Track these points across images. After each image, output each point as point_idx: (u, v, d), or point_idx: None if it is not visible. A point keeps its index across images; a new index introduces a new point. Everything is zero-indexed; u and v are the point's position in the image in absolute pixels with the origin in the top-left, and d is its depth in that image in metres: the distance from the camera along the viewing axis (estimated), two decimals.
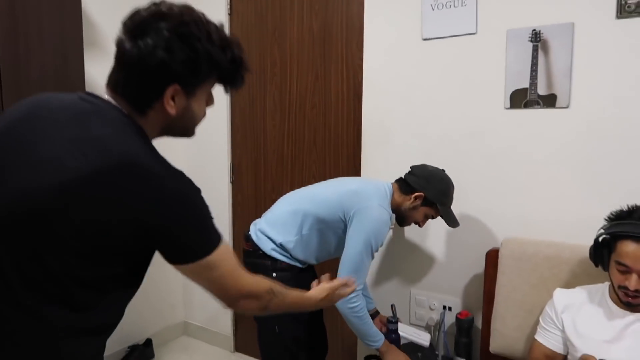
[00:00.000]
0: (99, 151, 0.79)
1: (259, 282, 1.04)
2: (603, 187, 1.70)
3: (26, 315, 0.79)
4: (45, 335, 0.81)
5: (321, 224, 1.72)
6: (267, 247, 1.75)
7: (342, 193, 1.72)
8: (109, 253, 0.82)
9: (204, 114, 1.00)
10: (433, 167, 1.78)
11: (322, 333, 1.97)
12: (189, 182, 0.90)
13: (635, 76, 1.62)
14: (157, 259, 0.92)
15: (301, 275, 1.78)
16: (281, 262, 1.74)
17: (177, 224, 0.85)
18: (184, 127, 0.97)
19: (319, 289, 1.28)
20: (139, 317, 2.82)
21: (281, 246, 1.74)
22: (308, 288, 1.82)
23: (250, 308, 1.02)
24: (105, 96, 0.88)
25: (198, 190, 0.91)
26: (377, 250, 1.67)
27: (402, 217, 1.79)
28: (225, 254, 0.94)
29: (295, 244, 1.73)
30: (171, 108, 0.88)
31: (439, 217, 1.77)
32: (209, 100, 1.00)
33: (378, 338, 1.73)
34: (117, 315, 0.94)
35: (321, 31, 2.36)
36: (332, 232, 1.73)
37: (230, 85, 0.99)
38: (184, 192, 0.87)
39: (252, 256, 1.78)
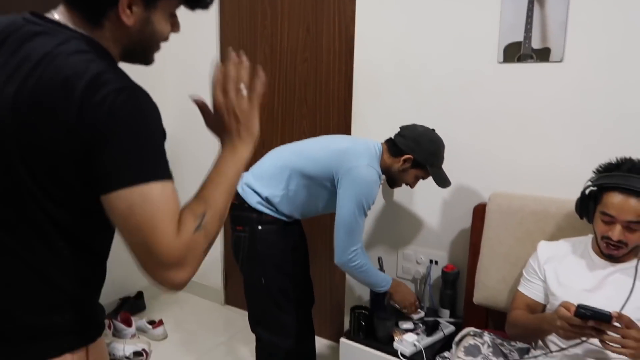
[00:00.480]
0: (43, 70, 0.73)
1: (186, 229, 0.78)
2: (593, 143, 1.70)
3: (9, 256, 0.78)
4: (30, 273, 0.80)
5: (308, 180, 1.71)
6: (252, 200, 1.75)
7: (331, 152, 1.70)
8: (62, 182, 0.76)
9: (167, 37, 0.91)
10: (423, 127, 1.75)
11: (309, 285, 2.01)
12: (150, 101, 0.78)
13: (630, 31, 1.59)
14: None
15: (287, 228, 1.80)
16: (266, 215, 1.74)
17: (119, 133, 0.72)
18: (145, 46, 0.88)
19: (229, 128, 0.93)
20: (130, 270, 2.80)
21: (267, 200, 1.74)
22: (294, 241, 1.84)
23: (181, 279, 0.77)
24: (56, 16, 0.82)
25: (157, 115, 0.79)
26: (369, 209, 1.67)
27: (392, 179, 1.79)
28: (170, 195, 0.76)
29: (281, 198, 1.73)
30: (127, 17, 0.80)
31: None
32: (174, 24, 0.91)
33: (385, 282, 1.78)
34: (102, 251, 0.92)
35: None
36: (318, 189, 1.73)
37: (196, 2, 0.90)
38: (139, 104, 0.76)
39: (238, 209, 1.78)
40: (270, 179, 1.75)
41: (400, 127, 1.76)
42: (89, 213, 0.80)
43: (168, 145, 0.84)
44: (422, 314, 1.93)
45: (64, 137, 0.72)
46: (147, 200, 0.73)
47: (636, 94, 1.61)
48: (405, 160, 1.69)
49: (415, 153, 1.68)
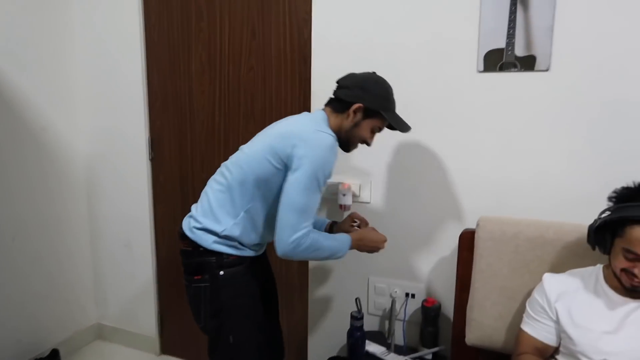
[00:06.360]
0: None
1: None
2: (584, 158, 1.56)
3: None
4: None
5: (260, 183, 1.40)
6: (208, 241, 1.43)
7: (272, 137, 1.41)
8: None
9: None
10: (362, 72, 1.51)
11: (279, 334, 1.74)
12: None
13: (620, 37, 1.47)
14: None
15: (254, 265, 1.51)
16: (228, 255, 1.43)
17: None
18: None
19: None
20: (40, 324, 2.33)
21: (226, 237, 1.42)
22: (263, 280, 1.56)
23: None
24: None
25: None
26: (324, 184, 1.38)
27: (345, 141, 1.49)
28: None
29: (240, 227, 1.42)
30: None
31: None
32: None
33: (344, 246, 1.46)
34: None
35: None
36: (276, 187, 1.41)
37: None
38: None
39: (192, 256, 1.46)
40: (220, 209, 1.43)
41: (337, 81, 1.51)
42: None
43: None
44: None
45: None
46: None
47: (628, 104, 1.49)
48: (355, 112, 1.44)
49: (365, 100, 1.43)
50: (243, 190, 1.41)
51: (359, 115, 1.44)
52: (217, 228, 1.42)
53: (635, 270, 1.16)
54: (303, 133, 1.36)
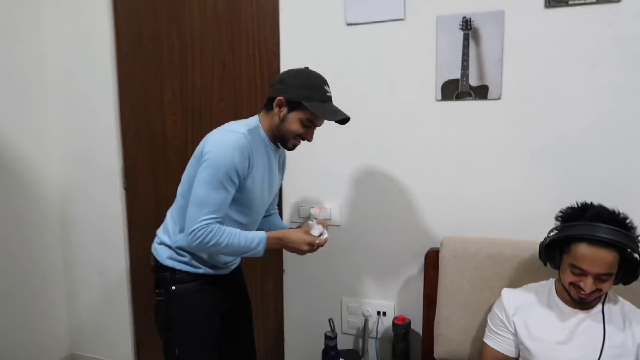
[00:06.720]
0: None
1: None
2: (535, 179, 1.68)
3: None
4: None
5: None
6: (163, 256, 1.51)
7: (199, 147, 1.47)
8: None
9: None
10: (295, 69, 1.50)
11: (249, 351, 1.75)
12: None
13: (563, 67, 1.61)
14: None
15: (215, 284, 1.53)
16: (180, 271, 1.49)
17: None
18: None
19: None
20: (12, 357, 2.30)
21: (179, 250, 1.48)
22: (223, 297, 1.55)
23: None
24: None
25: None
26: (228, 179, 1.36)
27: (280, 138, 1.48)
28: None
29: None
30: None
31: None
32: None
33: (254, 243, 1.40)
34: None
35: (228, 11, 2.07)
36: None
37: None
38: None
39: (154, 271, 1.55)
40: (172, 223, 1.52)
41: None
42: None
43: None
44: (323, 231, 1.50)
45: None
46: None
47: (572, 128, 1.62)
48: (279, 106, 1.43)
49: (284, 92, 1.42)
50: (185, 203, 1.45)
51: (284, 109, 1.43)
52: (169, 240, 1.50)
53: (582, 284, 1.26)
54: (214, 133, 1.44)
